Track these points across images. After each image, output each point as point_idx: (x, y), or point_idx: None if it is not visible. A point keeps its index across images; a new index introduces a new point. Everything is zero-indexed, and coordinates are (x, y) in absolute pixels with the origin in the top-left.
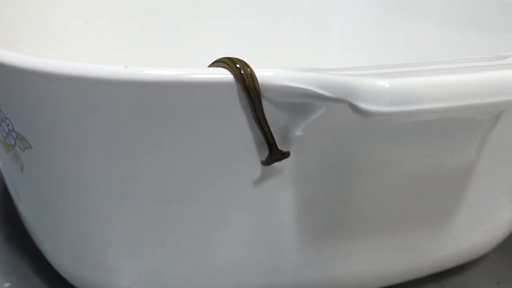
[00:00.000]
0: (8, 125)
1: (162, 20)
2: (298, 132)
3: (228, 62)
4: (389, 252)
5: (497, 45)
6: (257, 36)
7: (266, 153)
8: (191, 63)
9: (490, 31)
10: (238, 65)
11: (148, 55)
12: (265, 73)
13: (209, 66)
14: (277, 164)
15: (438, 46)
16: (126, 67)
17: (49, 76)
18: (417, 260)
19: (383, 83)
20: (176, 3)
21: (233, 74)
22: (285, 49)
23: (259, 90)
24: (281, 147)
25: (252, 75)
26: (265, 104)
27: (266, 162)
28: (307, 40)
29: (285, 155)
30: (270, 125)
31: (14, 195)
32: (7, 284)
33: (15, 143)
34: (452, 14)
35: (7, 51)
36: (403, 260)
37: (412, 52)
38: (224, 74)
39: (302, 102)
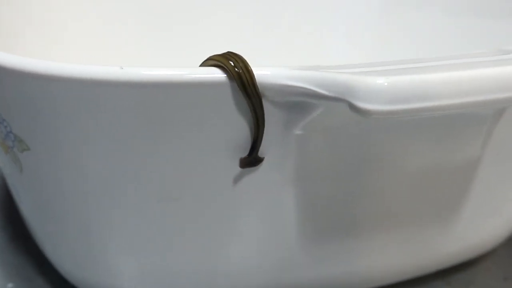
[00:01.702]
0: (6, 126)
1: (161, 18)
2: (297, 131)
3: (222, 60)
4: (395, 249)
5: (501, 34)
6: (257, 33)
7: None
8: (192, 62)
9: (493, 20)
10: (232, 63)
11: (150, 54)
12: (262, 72)
13: (203, 62)
14: (277, 163)
15: (442, 36)
16: (122, 68)
17: (46, 78)
18: (423, 257)
19: (381, 81)
20: (175, 1)
21: (227, 73)
22: (285, 46)
23: (258, 88)
24: (279, 147)
25: (250, 73)
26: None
27: (244, 164)
28: (308, 35)
29: (261, 160)
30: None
31: (15, 196)
32: (10, 285)
33: (14, 145)
34: (455, 4)
35: (4, 53)
36: (409, 257)
37: (415, 44)
38: (218, 74)
39: (300, 100)
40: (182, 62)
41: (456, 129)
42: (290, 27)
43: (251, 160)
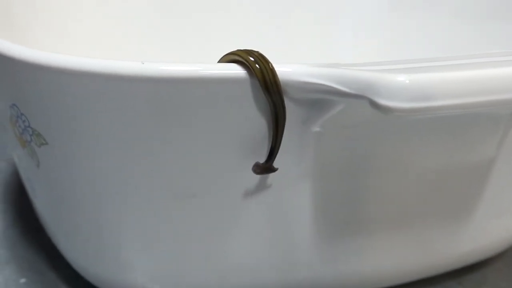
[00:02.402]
0: (24, 121)
1: (170, 13)
2: (316, 128)
3: (243, 55)
4: (407, 249)
5: (510, 36)
6: (266, 29)
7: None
8: (201, 56)
9: (502, 22)
10: (253, 59)
11: (160, 48)
12: (283, 69)
13: (222, 58)
14: (294, 160)
15: (450, 37)
16: (143, 63)
17: (65, 72)
18: (435, 257)
19: (402, 79)
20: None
21: (248, 69)
22: (293, 45)
23: (280, 86)
24: (296, 143)
25: (272, 70)
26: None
27: (261, 171)
28: (317, 33)
29: (274, 170)
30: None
31: (29, 191)
32: (23, 280)
33: (31, 139)
34: (465, 5)
35: (23, 47)
36: (421, 257)
37: (424, 44)
38: (239, 70)
39: (320, 98)
40: (192, 56)
41: (472, 129)
42: (298, 26)
43: (266, 168)
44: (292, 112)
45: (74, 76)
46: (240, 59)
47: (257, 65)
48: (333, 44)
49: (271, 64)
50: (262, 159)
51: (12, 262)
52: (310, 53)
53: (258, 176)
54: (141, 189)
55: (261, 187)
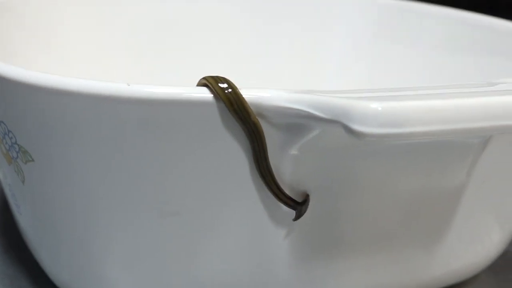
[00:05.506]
0: (11, 138)
1: (162, 35)
2: (293, 152)
3: (210, 80)
4: (380, 271)
5: (488, 69)
6: (252, 57)
7: None
8: (187, 80)
9: (481, 56)
10: (219, 83)
11: (148, 71)
12: (262, 94)
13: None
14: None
15: (431, 70)
16: (129, 85)
17: (52, 92)
18: (408, 280)
19: (375, 106)
20: (176, 19)
21: (214, 94)
22: (279, 70)
23: (250, 112)
24: (274, 167)
25: (237, 94)
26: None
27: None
28: (301, 62)
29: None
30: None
31: (14, 207)
32: None
33: (18, 155)
34: (449, 37)
35: (11, 66)
36: (394, 280)
37: (405, 76)
38: (207, 93)
39: (297, 122)
40: (180, 80)
41: (444, 156)
42: (281, 55)
43: (300, 211)
44: (270, 137)
45: (61, 95)
46: (208, 83)
47: (224, 91)
48: (317, 73)
49: (237, 89)
50: (243, 182)
51: None
52: (292, 81)
53: (239, 199)
54: (126, 207)
55: (241, 207)
